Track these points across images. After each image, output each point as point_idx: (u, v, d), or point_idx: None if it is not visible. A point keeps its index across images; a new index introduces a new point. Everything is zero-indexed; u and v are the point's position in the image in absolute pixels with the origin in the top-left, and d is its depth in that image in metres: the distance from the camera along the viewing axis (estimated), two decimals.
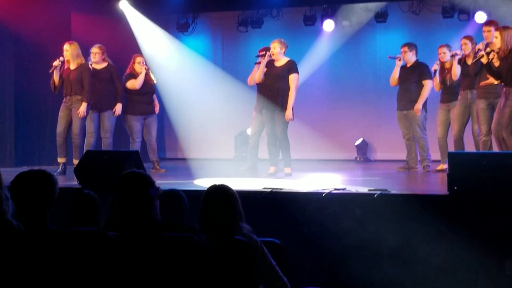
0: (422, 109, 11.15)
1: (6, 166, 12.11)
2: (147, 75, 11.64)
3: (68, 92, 11.01)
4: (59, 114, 11.13)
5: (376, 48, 14.71)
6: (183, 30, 15.37)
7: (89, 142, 11.25)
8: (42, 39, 12.54)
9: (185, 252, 4.05)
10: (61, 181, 9.02)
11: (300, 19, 14.51)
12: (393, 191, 7.55)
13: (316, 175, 10.78)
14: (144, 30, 14.17)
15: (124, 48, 13.66)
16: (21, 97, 12.88)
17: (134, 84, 11.54)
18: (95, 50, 11.45)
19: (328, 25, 14.35)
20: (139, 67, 11.61)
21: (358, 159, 14.51)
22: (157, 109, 11.98)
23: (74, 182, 8.61)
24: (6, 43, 12.71)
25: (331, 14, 14.29)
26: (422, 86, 11.17)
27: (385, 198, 7.29)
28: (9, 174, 4.82)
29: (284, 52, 10.51)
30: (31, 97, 12.98)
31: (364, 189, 7.75)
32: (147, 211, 4.28)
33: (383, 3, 13.90)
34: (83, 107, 10.99)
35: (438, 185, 9.46)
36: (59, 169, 10.92)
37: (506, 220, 6.80)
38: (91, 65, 11.37)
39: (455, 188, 7.04)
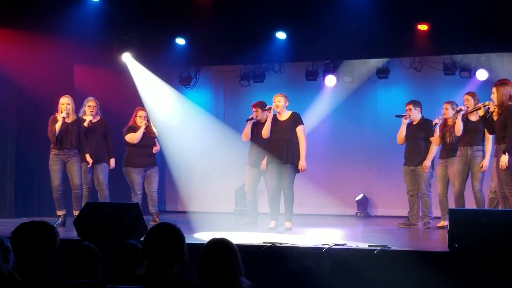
0: (430, 166, 11.16)
1: (6, 217, 12.11)
2: (148, 128, 11.66)
3: (67, 146, 10.97)
4: (53, 167, 11.03)
5: (378, 103, 14.75)
6: (186, 83, 15.43)
7: (84, 194, 11.27)
8: (45, 90, 12.59)
9: None
10: (61, 233, 8.95)
11: (302, 74, 14.58)
12: (394, 247, 7.52)
13: (317, 230, 10.75)
14: (147, 82, 14.20)
15: (126, 100, 13.72)
16: (22, 148, 12.90)
17: (132, 138, 11.56)
18: (92, 103, 11.46)
19: (330, 80, 14.40)
20: (140, 121, 11.61)
21: (358, 214, 14.45)
22: (156, 148, 11.85)
23: (74, 234, 8.57)
24: (9, 94, 12.78)
25: (333, 70, 14.35)
26: (430, 143, 11.20)
27: (385, 254, 7.27)
28: (9, 225, 4.82)
29: (286, 106, 10.55)
30: (32, 149, 12.97)
31: (364, 245, 7.72)
32: (175, 266, 4.30)
33: (385, 59, 13.97)
34: (89, 158, 11.23)
35: (438, 242, 9.43)
36: (59, 221, 10.87)
37: (507, 278, 6.76)
38: (83, 117, 11.40)
39: (456, 245, 7.01)
